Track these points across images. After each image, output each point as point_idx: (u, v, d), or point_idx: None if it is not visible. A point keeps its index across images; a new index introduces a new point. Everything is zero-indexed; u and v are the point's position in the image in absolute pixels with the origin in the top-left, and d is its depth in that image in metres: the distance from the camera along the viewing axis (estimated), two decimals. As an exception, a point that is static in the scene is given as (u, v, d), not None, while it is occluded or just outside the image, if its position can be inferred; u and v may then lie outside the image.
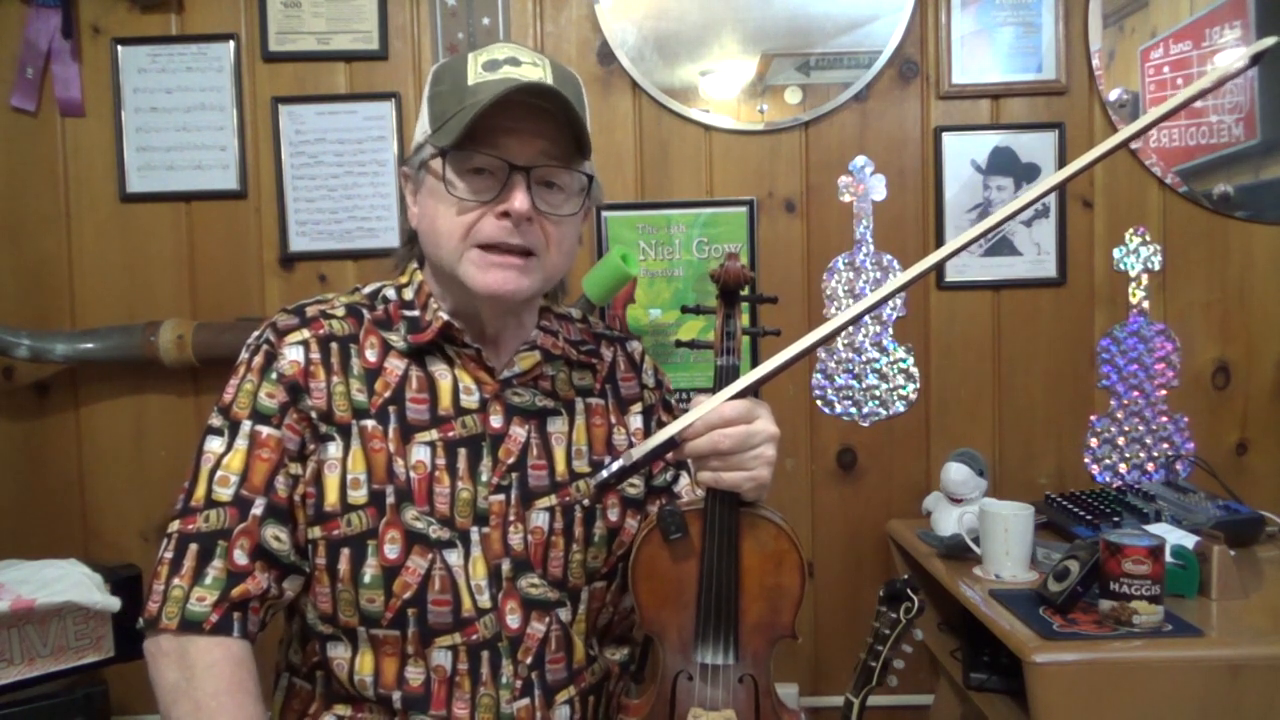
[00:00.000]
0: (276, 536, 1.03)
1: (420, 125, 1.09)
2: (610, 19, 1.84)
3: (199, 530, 1.01)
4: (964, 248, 1.03)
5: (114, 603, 1.58)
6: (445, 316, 1.09)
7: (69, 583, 1.55)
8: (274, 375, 1.05)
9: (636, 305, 1.87)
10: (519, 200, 1.00)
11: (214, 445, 1.04)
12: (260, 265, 1.88)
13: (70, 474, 1.89)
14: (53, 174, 1.86)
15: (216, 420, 1.05)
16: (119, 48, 1.84)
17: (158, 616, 0.99)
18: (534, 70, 1.04)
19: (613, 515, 1.15)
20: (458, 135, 0.99)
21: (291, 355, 1.06)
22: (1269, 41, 0.99)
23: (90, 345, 1.79)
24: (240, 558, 1.01)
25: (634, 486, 1.18)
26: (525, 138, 1.02)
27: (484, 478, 1.08)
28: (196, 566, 1.00)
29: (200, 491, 1.03)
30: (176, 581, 1.00)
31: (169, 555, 1.01)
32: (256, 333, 1.09)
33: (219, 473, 1.03)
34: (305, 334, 1.08)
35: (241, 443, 1.03)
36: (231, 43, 1.84)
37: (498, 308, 1.08)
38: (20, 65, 1.83)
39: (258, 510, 1.02)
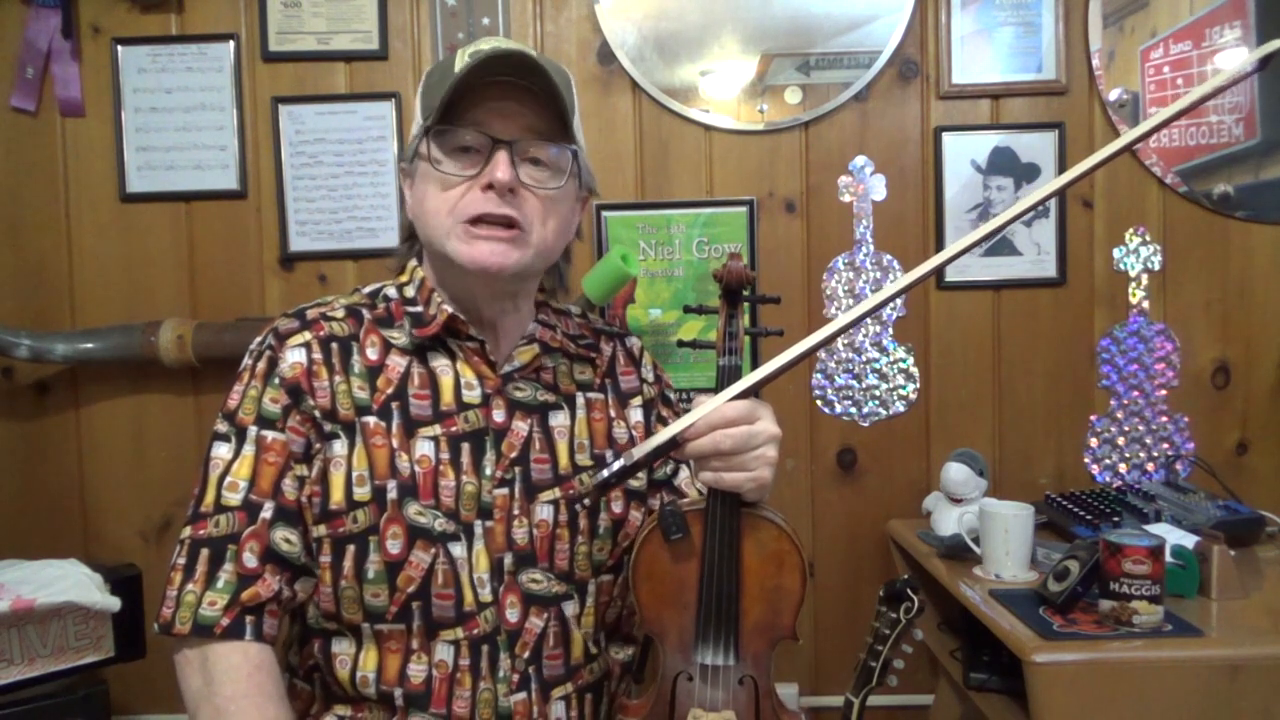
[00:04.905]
0: (286, 539, 1.03)
1: (415, 122, 1.11)
2: (610, 19, 1.84)
3: (209, 535, 1.03)
4: (965, 251, 1.03)
5: (114, 603, 1.58)
6: (449, 309, 1.09)
7: (69, 583, 1.55)
8: (277, 380, 1.06)
9: (636, 305, 1.87)
10: (501, 169, 1.01)
11: (221, 451, 1.05)
12: (260, 265, 1.88)
13: (70, 474, 1.89)
14: (53, 174, 1.86)
15: (222, 426, 1.06)
16: (119, 48, 1.84)
17: (171, 621, 1.01)
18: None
19: (617, 507, 1.16)
20: (440, 109, 1.01)
21: (293, 357, 1.07)
22: (1276, 44, 1.00)
23: (90, 345, 1.79)
24: (250, 560, 1.02)
25: (636, 480, 1.19)
26: (509, 115, 1.04)
27: (488, 471, 1.08)
28: (208, 571, 1.02)
29: (210, 497, 1.04)
30: (190, 587, 1.02)
31: (181, 561, 1.03)
32: (259, 338, 1.10)
33: (228, 479, 1.04)
34: (306, 335, 1.08)
35: (249, 449, 1.04)
36: (231, 43, 1.84)
37: (489, 286, 1.09)
38: (20, 65, 1.83)
39: (266, 514, 1.03)
